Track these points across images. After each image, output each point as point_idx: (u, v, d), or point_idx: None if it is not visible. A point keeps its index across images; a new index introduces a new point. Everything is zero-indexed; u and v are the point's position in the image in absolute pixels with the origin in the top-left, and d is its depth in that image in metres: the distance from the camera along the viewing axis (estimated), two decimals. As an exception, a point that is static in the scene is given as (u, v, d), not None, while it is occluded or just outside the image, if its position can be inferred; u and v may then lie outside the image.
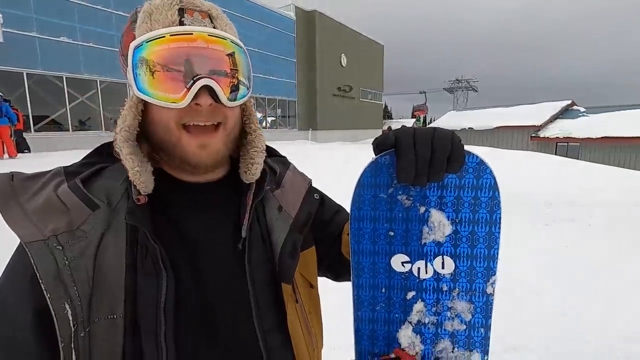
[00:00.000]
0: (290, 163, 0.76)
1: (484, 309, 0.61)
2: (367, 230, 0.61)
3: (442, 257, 0.60)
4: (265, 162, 0.70)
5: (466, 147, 0.55)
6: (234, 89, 0.55)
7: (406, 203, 0.60)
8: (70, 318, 0.47)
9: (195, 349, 0.53)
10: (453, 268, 0.60)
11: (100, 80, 11.89)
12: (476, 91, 54.33)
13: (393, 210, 0.60)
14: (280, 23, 19.92)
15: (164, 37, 0.50)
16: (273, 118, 21.96)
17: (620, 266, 3.63)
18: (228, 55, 0.54)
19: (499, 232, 0.60)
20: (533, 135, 20.87)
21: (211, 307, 0.55)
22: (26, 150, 9.16)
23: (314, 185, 0.74)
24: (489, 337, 0.62)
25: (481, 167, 0.58)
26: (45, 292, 0.46)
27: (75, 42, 11.27)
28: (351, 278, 0.63)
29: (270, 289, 0.60)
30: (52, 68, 11.02)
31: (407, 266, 0.61)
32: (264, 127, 20.84)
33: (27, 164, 7.04)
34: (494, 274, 0.60)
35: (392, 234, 0.61)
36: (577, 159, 15.16)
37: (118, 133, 0.54)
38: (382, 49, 31.71)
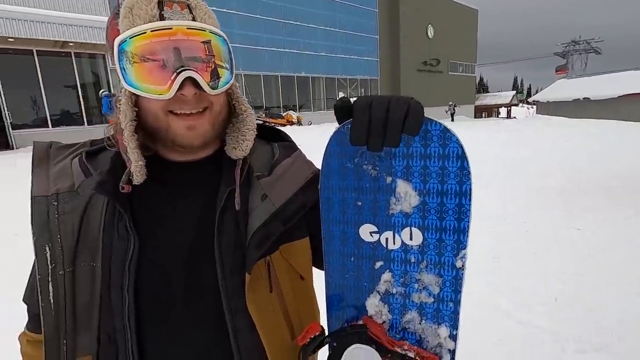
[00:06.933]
0: (297, 149, 0.74)
1: (454, 282, 0.59)
2: (336, 199, 0.63)
3: (410, 228, 0.59)
4: (270, 145, 0.73)
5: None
6: (216, 76, 0.58)
7: (372, 173, 0.60)
8: (49, 258, 0.58)
9: (153, 306, 0.61)
10: (421, 240, 0.59)
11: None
12: (599, 53, 45.48)
13: (361, 180, 0.61)
14: (361, -1, 19.39)
15: (145, 32, 0.54)
16: (355, 98, 21.80)
17: None
18: (207, 44, 0.57)
19: (469, 205, 0.56)
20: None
21: (167, 279, 0.61)
22: None
23: None
24: (459, 312, 0.59)
25: (446, 135, 0.55)
26: (32, 234, 0.58)
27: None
28: (322, 245, 0.66)
29: (240, 274, 0.62)
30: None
31: (375, 236, 0.62)
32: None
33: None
34: (464, 248, 0.57)
35: (360, 203, 0.62)
36: None
37: (125, 128, 0.58)
38: (476, 15, 28.61)
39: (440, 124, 0.55)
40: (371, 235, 0.62)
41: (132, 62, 0.55)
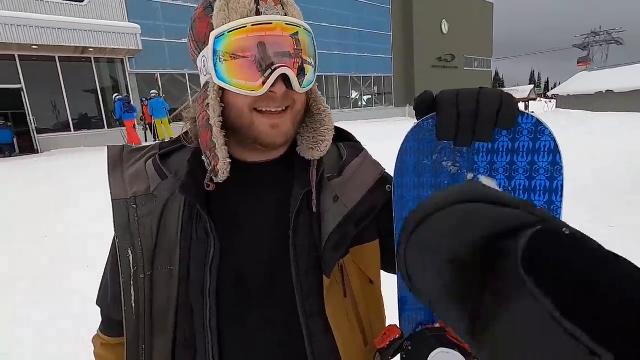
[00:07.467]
0: (363, 149, 0.71)
1: (543, 284, 0.56)
2: (410, 197, 0.61)
3: (493, 227, 0.57)
4: (336, 145, 0.70)
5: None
6: (302, 73, 0.57)
7: (452, 169, 0.57)
8: (131, 261, 0.58)
9: (231, 308, 0.60)
10: (505, 239, 0.56)
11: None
12: (621, 44, 43.87)
13: (438, 177, 0.59)
14: (374, -5, 19.24)
15: (246, 27, 0.52)
16: (369, 96, 21.68)
17: None
18: (297, 40, 0.55)
19: (560, 201, 0.53)
20: None
21: (245, 280, 0.60)
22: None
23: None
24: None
25: (538, 128, 0.52)
26: (115, 238, 0.59)
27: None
28: (395, 245, 0.63)
29: (315, 276, 0.61)
30: (177, 67, 12.93)
31: (454, 235, 0.59)
32: (359, 107, 20.80)
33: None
34: (555, 248, 0.54)
35: (437, 201, 0.59)
36: None
37: (213, 125, 0.56)
38: (492, 8, 28.07)
39: (533, 116, 0.52)
40: (449, 235, 0.60)
41: (224, 57, 0.54)
